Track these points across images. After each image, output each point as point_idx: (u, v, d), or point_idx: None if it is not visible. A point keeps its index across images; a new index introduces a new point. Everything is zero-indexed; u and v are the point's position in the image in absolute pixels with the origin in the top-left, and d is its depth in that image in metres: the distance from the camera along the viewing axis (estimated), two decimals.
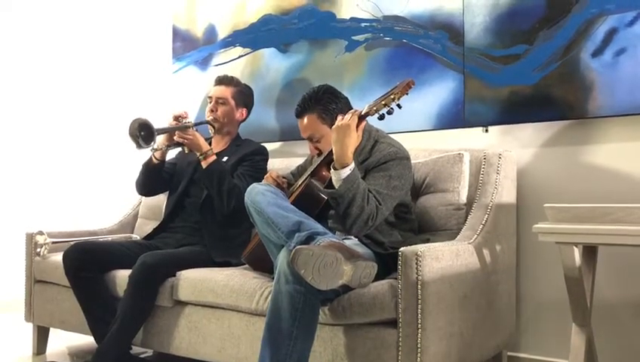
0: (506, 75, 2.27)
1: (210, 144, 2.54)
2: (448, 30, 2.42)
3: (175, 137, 2.43)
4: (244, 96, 2.70)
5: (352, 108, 2.08)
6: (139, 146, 2.34)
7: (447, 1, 2.43)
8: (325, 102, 2.06)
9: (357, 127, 1.87)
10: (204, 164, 2.41)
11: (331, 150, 1.89)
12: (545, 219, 1.67)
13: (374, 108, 1.85)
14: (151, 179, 2.63)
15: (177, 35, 3.44)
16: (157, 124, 2.39)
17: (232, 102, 2.65)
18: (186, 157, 2.60)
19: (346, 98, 2.13)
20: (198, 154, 2.43)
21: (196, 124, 2.50)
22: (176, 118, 2.48)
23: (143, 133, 2.34)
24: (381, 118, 1.85)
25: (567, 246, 1.62)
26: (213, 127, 2.64)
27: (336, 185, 1.83)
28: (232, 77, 2.70)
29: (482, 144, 2.34)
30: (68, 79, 3.98)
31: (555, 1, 2.17)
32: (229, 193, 2.37)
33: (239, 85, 2.70)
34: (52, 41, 3.95)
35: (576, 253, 1.64)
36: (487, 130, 2.36)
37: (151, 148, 2.37)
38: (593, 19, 2.09)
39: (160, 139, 2.49)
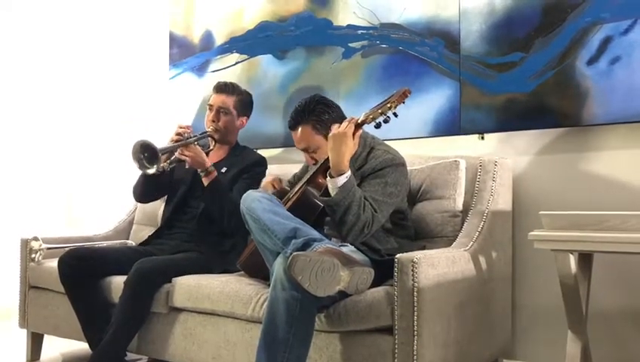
0: (501, 82, 2.28)
1: (207, 155, 2.51)
2: (444, 38, 2.43)
3: (176, 153, 2.38)
4: (245, 104, 2.66)
5: (344, 117, 2.07)
6: (143, 168, 2.30)
7: (443, 9, 2.44)
8: (318, 113, 2.04)
9: (353, 135, 1.87)
10: (205, 181, 2.38)
11: (328, 158, 1.89)
12: (540, 226, 1.67)
13: (371, 116, 1.86)
14: (150, 188, 2.61)
15: (174, 41, 3.44)
16: (157, 139, 2.32)
17: (234, 112, 2.61)
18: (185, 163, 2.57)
19: (338, 106, 2.11)
20: (199, 170, 2.40)
21: (199, 139, 2.46)
22: (179, 134, 2.44)
23: (146, 154, 2.29)
24: (377, 126, 1.86)
25: (562, 253, 1.63)
26: (214, 139, 2.60)
27: (332, 193, 1.83)
28: (232, 84, 2.64)
29: (478, 151, 2.35)
30: (65, 84, 3.98)
31: (550, 10, 2.18)
32: (230, 213, 2.33)
33: (241, 93, 2.64)
34: (49, 47, 3.95)
35: (572, 261, 1.65)
36: (483, 138, 2.37)
37: (156, 170, 2.31)
38: (588, 28, 2.10)
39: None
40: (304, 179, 2.09)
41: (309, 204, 1.96)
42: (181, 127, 2.48)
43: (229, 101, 2.60)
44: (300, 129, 2.05)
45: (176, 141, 2.42)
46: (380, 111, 1.84)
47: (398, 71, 2.55)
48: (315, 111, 2.04)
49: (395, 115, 1.85)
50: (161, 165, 2.36)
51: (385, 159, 1.96)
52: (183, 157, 2.37)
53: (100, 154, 3.83)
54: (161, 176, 2.53)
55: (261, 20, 3.05)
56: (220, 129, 2.59)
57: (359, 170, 1.99)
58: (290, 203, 2.02)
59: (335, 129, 1.88)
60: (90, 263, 2.35)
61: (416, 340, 1.64)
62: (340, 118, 2.06)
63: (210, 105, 2.61)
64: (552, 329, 2.17)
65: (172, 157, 2.44)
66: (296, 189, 2.11)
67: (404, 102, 1.84)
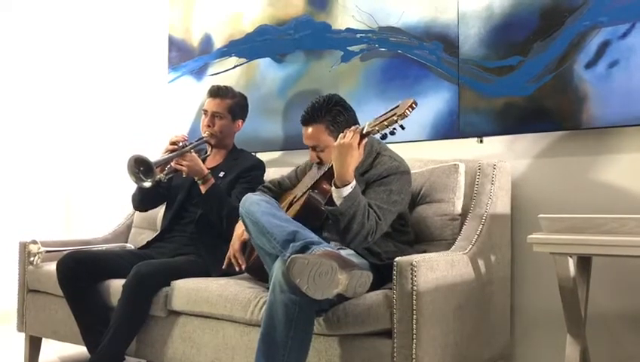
0: (500, 86, 2.28)
1: (204, 161, 2.50)
2: (443, 41, 2.43)
3: (172, 163, 2.37)
4: (240, 107, 2.65)
5: (357, 122, 2.04)
6: (140, 181, 2.30)
7: (442, 12, 2.45)
8: (335, 114, 2.01)
9: (358, 145, 1.82)
10: (202, 189, 2.37)
11: (332, 165, 1.87)
12: (539, 229, 1.67)
13: (377, 128, 1.80)
14: (147, 197, 2.61)
15: (173, 44, 3.44)
16: (156, 142, 2.32)
17: (229, 116, 2.60)
18: None
19: (354, 111, 2.08)
20: (196, 178, 2.39)
21: (195, 146, 2.46)
22: (174, 144, 2.43)
23: (141, 168, 2.29)
24: (384, 137, 1.81)
25: (561, 256, 1.63)
26: (211, 144, 2.59)
27: (337, 202, 1.81)
28: (226, 88, 2.64)
29: (477, 155, 2.34)
30: (64, 87, 3.98)
31: (548, 14, 2.19)
32: (229, 217, 2.33)
33: (235, 97, 2.64)
34: (49, 50, 3.96)
35: (571, 264, 1.65)
36: (481, 141, 2.37)
37: (152, 182, 2.31)
38: (586, 32, 2.10)
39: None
40: (308, 185, 2.07)
41: (315, 211, 1.95)
42: (176, 137, 2.47)
43: (224, 105, 2.59)
44: (312, 126, 2.02)
45: (172, 151, 2.41)
46: (385, 123, 1.78)
47: (397, 74, 2.56)
48: (331, 112, 2.01)
49: (402, 127, 1.79)
50: (157, 177, 2.35)
51: (390, 166, 1.95)
52: (180, 168, 2.36)
53: (98, 157, 3.83)
54: (159, 186, 2.52)
55: (260, 24, 3.06)
56: (216, 134, 2.58)
57: (364, 176, 1.97)
58: (294, 209, 2.00)
59: (340, 139, 1.83)
60: (89, 266, 2.35)
61: (415, 343, 1.64)
62: (354, 122, 2.03)
63: (205, 110, 2.61)
64: (551, 332, 2.17)
65: (168, 168, 2.42)
66: (300, 194, 2.09)
67: (409, 115, 1.77)
